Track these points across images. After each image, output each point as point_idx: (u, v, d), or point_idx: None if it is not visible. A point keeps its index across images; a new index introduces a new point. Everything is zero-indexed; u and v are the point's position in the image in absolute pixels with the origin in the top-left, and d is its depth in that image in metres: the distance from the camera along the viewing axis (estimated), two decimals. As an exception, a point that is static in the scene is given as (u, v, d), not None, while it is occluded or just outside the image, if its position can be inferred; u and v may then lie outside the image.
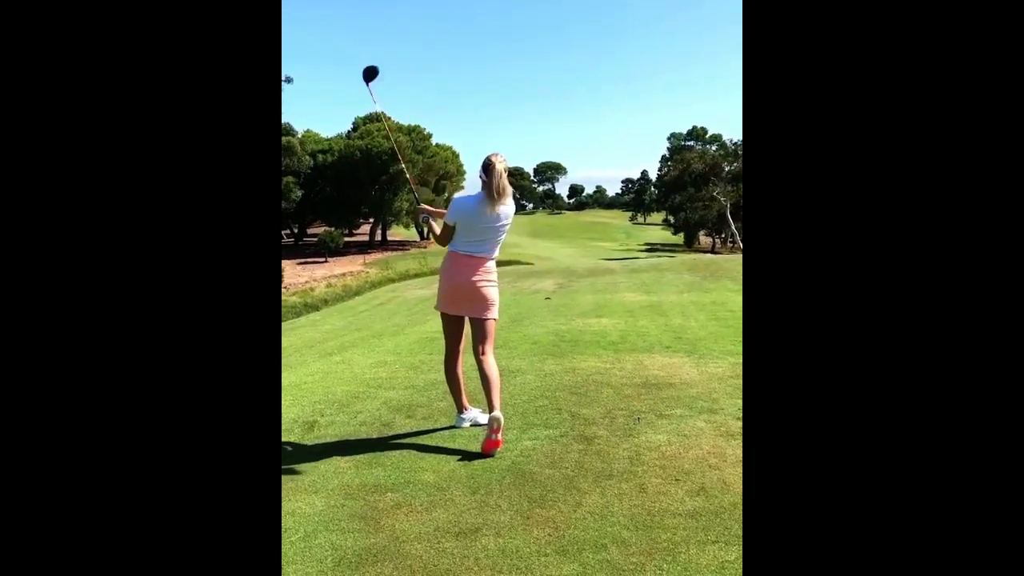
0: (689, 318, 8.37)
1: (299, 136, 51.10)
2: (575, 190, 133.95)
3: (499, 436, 3.58)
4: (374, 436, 4.00)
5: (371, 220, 55.29)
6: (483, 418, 4.06)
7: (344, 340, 8.20)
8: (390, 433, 4.05)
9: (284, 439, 4.02)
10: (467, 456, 3.57)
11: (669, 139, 74.27)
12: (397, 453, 3.67)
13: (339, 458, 3.62)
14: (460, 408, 4.14)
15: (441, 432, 4.03)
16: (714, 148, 58.35)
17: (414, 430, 4.09)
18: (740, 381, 4.91)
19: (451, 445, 3.78)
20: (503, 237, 3.98)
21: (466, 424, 4.10)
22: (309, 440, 3.99)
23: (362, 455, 3.65)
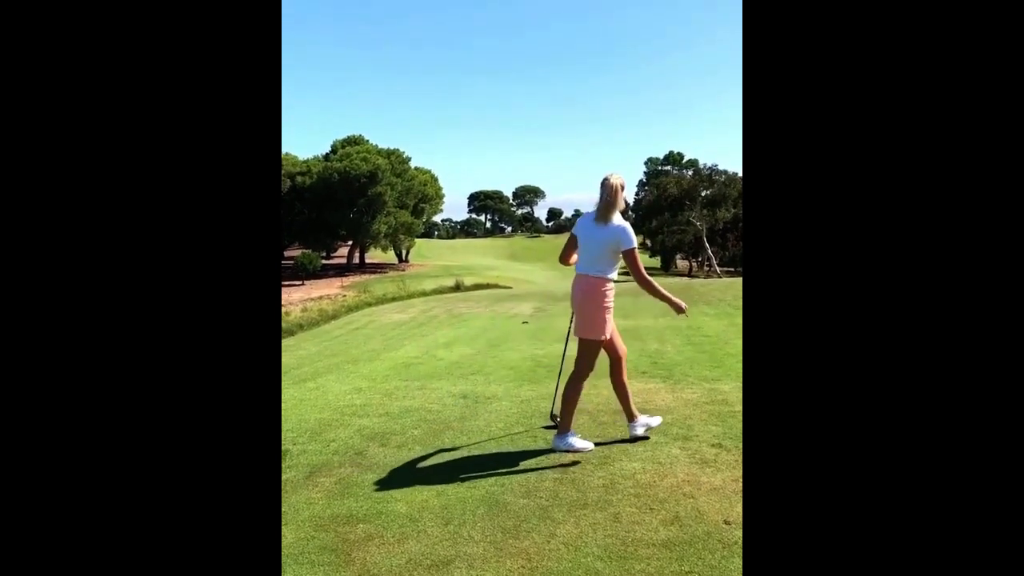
0: (665, 343, 8.41)
1: (277, 158, 50.87)
2: (554, 213, 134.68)
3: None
4: (347, 465, 3.94)
5: (349, 243, 55.07)
6: (654, 420, 4.28)
7: (318, 366, 8.11)
8: (363, 462, 3.99)
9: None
10: (440, 486, 3.52)
11: (646, 163, 75.13)
12: (370, 483, 3.62)
13: (310, 488, 3.56)
14: (630, 416, 4.20)
15: (415, 460, 3.98)
16: (690, 173, 59.13)
17: (387, 458, 4.04)
18: (714, 407, 4.92)
19: (424, 474, 3.73)
20: (606, 255, 3.86)
21: (639, 431, 4.15)
22: (281, 470, 3.92)
23: (334, 485, 3.60)
